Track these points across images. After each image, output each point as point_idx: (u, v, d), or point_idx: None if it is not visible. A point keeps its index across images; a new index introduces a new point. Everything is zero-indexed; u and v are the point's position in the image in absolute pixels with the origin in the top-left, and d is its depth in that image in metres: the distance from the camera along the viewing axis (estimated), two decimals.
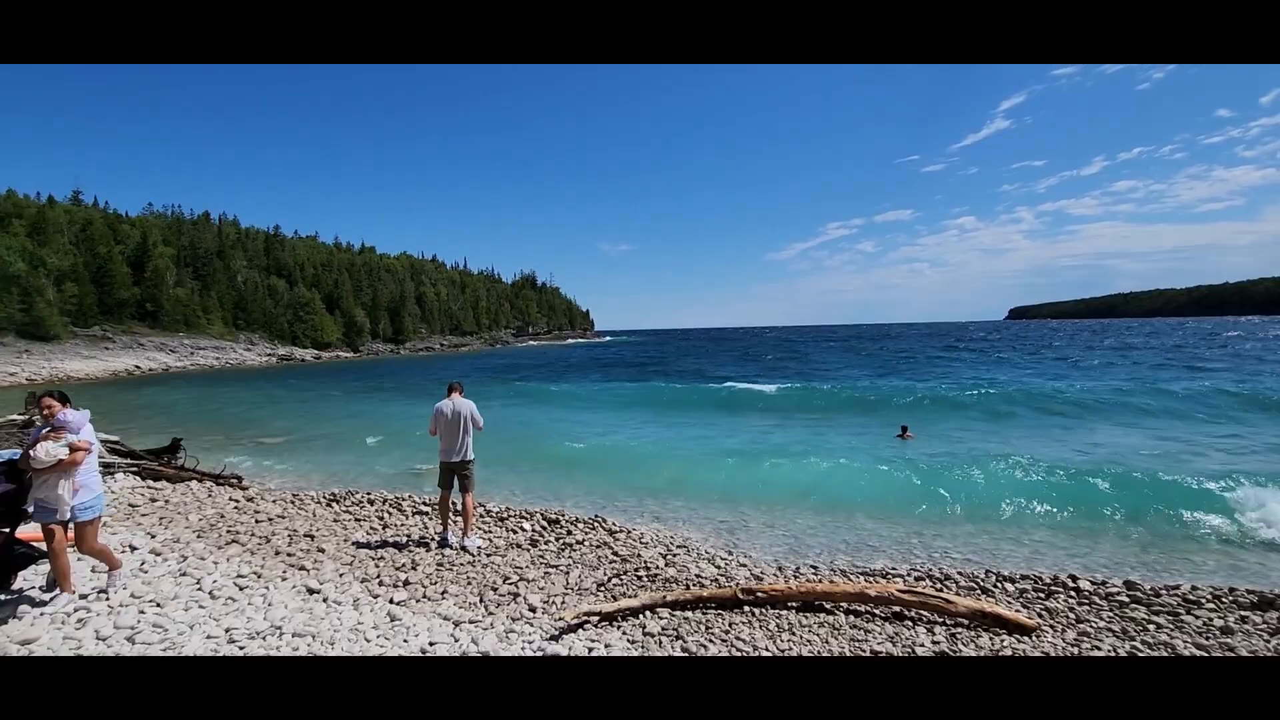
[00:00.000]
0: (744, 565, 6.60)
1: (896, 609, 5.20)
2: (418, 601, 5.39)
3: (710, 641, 4.71)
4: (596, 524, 8.17)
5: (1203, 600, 5.60)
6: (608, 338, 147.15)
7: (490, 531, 7.73)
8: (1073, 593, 5.87)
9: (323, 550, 6.77)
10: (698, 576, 6.08)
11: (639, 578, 6.08)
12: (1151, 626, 5.12)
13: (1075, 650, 4.68)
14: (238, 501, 9.07)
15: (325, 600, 5.28)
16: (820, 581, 5.53)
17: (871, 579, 6.20)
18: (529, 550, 7.03)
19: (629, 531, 7.96)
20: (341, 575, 6.00)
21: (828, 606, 5.28)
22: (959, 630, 4.92)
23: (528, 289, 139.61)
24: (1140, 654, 4.60)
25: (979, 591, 5.92)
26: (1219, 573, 6.51)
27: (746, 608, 5.22)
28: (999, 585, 6.07)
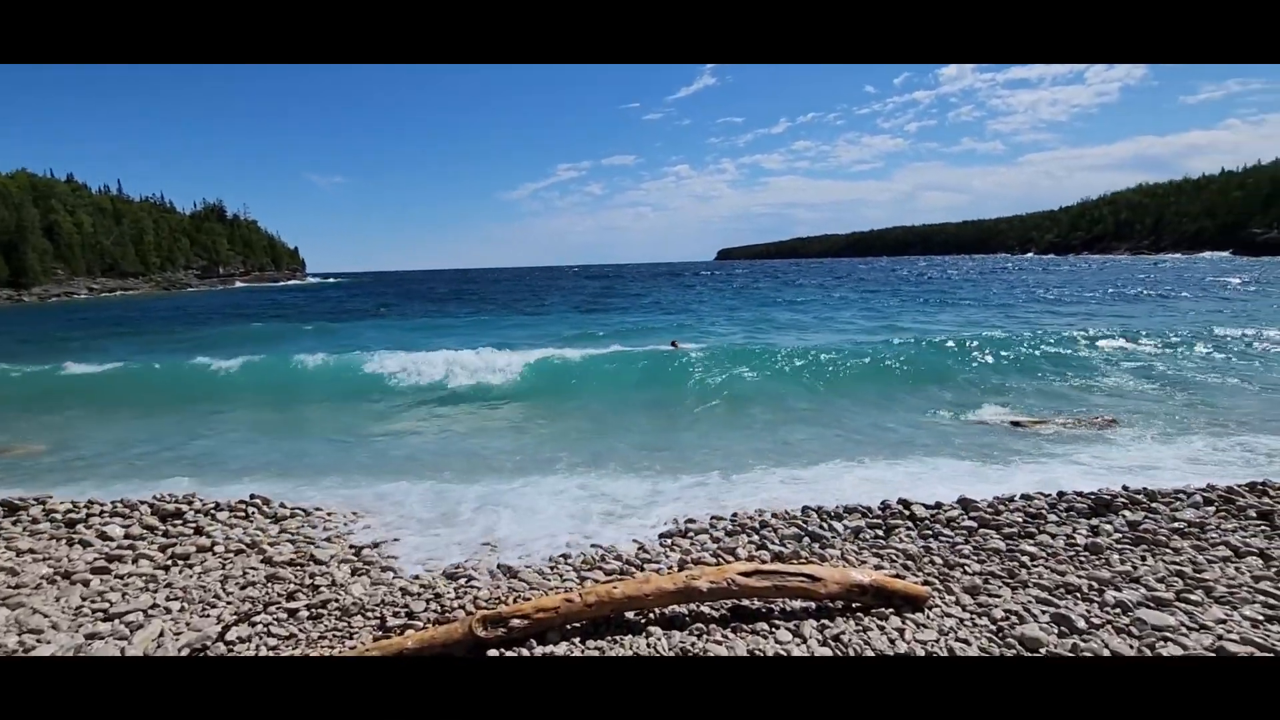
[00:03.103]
0: (486, 558, 4.17)
1: (734, 602, 3.25)
2: None
3: None
4: (253, 508, 5.17)
5: (1043, 511, 4.66)
6: (316, 279, 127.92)
7: (31, 551, 4.26)
8: (910, 523, 4.58)
9: None
10: (404, 594, 3.51)
11: (292, 613, 3.33)
12: (1025, 557, 3.91)
13: (984, 614, 3.20)
14: None
15: None
16: (617, 581, 3.36)
17: (674, 547, 4.27)
18: (86, 582, 3.81)
19: (308, 513, 5.13)
20: None
21: (631, 618, 3.14)
22: (835, 623, 3.13)
23: (214, 221, 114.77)
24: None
25: (809, 540, 4.34)
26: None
27: (494, 651, 2.84)
28: (827, 526, 4.58)
